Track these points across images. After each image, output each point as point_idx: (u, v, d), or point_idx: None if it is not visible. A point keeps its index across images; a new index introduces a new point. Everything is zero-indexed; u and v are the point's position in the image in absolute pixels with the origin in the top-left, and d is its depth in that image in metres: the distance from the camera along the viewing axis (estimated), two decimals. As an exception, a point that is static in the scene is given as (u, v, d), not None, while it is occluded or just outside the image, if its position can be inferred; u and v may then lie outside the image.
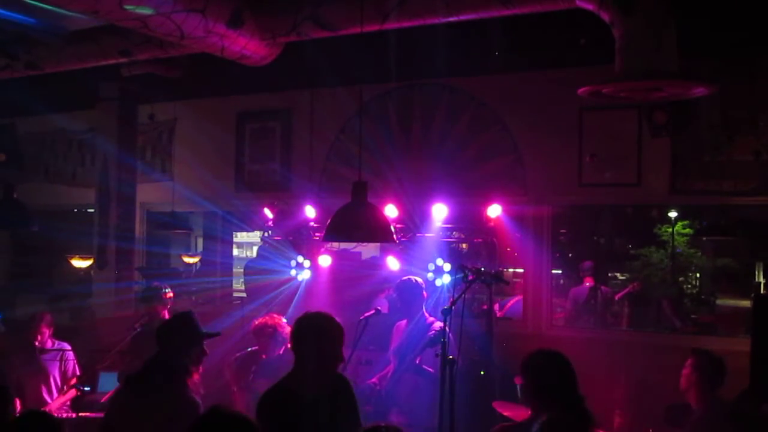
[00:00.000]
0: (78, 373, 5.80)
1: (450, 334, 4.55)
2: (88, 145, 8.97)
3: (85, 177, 9.05)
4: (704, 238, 8.98)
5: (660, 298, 8.68)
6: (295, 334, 3.49)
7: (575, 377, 3.41)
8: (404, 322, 5.63)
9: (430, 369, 5.06)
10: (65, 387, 5.75)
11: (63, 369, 5.79)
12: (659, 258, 9.12)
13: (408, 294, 5.55)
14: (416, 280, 5.63)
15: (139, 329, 5.41)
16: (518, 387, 3.64)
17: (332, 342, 3.40)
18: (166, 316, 5.63)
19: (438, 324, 4.37)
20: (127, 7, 4.42)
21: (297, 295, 6.66)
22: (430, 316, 5.44)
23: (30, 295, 8.41)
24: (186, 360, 3.65)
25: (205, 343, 3.77)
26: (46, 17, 5.48)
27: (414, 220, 6.16)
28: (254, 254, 9.06)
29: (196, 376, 3.72)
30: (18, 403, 5.54)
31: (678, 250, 9.15)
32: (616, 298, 8.44)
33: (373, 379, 5.53)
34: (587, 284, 8.35)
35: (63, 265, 8.99)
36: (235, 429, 2.30)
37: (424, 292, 5.61)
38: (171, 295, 5.78)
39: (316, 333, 3.40)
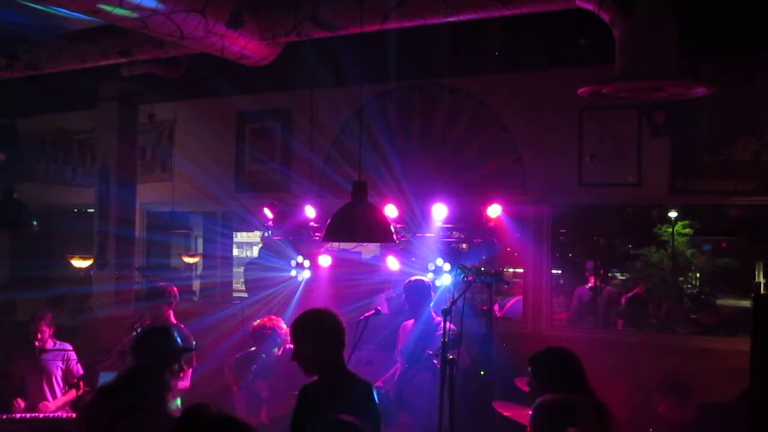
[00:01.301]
0: (80, 372, 5.80)
1: (455, 334, 4.59)
2: (88, 145, 8.97)
3: (85, 177, 9.05)
4: (702, 238, 8.99)
5: (661, 298, 8.67)
6: (292, 330, 3.51)
7: (580, 369, 3.46)
8: (411, 322, 5.63)
9: None
10: (67, 387, 5.75)
11: (65, 369, 5.80)
12: (659, 258, 9.11)
13: (417, 295, 5.56)
14: (425, 281, 5.63)
15: (138, 330, 5.39)
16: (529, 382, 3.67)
17: (327, 338, 3.39)
18: (171, 316, 5.62)
19: (448, 324, 4.37)
20: (103, 6, 4.40)
21: (296, 295, 6.66)
22: (437, 316, 5.44)
23: (30, 296, 8.40)
24: (166, 374, 3.57)
25: (183, 357, 3.73)
26: (47, 18, 5.48)
27: (414, 220, 6.16)
28: (254, 254, 9.07)
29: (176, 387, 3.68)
30: (22, 403, 5.56)
31: (691, 243, 9.15)
32: (623, 300, 8.42)
33: (378, 383, 5.53)
34: (590, 284, 8.35)
35: (63, 266, 8.99)
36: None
37: (432, 293, 5.61)
38: (177, 294, 5.76)
39: (312, 329, 3.41)
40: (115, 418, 3.32)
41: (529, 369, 3.64)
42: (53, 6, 4.62)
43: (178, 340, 3.79)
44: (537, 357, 3.62)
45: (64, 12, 4.98)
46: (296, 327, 3.48)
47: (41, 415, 5.48)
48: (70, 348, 5.88)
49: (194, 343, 5.46)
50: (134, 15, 4.54)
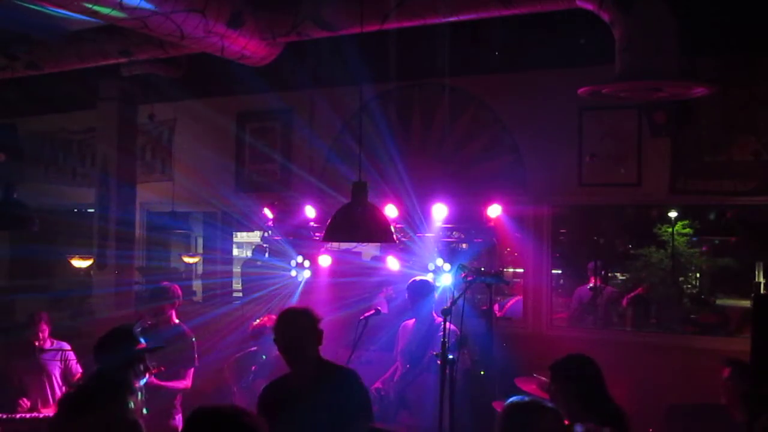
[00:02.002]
0: (80, 371, 5.80)
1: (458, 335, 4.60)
2: (88, 145, 8.96)
3: (85, 177, 9.05)
4: (702, 238, 9.00)
5: (661, 298, 8.67)
6: (278, 329, 3.58)
7: (600, 376, 3.51)
8: (411, 321, 5.63)
9: None
10: (66, 387, 5.75)
11: (65, 368, 5.79)
12: (659, 258, 9.12)
13: (419, 293, 5.55)
14: (428, 281, 5.63)
15: (138, 330, 5.38)
16: (550, 390, 3.65)
17: (299, 333, 3.47)
18: (173, 316, 5.61)
19: (448, 325, 4.39)
20: (87, 5, 4.39)
21: (296, 295, 6.66)
22: (439, 317, 5.44)
23: (30, 296, 8.40)
24: (129, 376, 3.54)
25: (147, 357, 3.69)
26: (47, 18, 5.48)
27: (414, 220, 6.16)
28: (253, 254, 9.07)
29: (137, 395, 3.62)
30: (27, 402, 5.56)
31: (695, 237, 9.15)
32: (624, 302, 8.42)
33: (377, 384, 5.51)
34: (590, 284, 8.34)
35: (63, 266, 8.99)
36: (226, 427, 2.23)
37: (435, 293, 5.61)
38: (180, 294, 5.74)
39: (285, 327, 3.53)
40: (73, 422, 3.28)
41: (549, 375, 3.63)
42: (48, 6, 4.61)
43: (141, 340, 3.74)
44: (557, 364, 3.62)
45: (61, 12, 4.97)
46: (288, 326, 3.53)
47: (41, 415, 5.47)
48: (69, 347, 5.88)
49: (193, 339, 5.46)
50: (125, 16, 4.53)
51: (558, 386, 3.54)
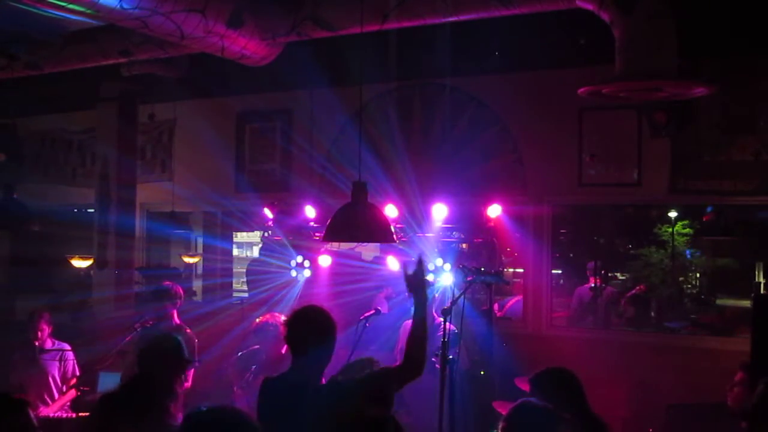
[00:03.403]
0: (78, 373, 5.79)
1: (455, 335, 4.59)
2: (88, 145, 8.97)
3: (85, 177, 9.05)
4: (704, 238, 9.00)
5: (661, 298, 8.67)
6: (290, 328, 3.42)
7: (580, 389, 3.49)
8: (412, 321, 5.63)
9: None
10: (65, 387, 5.75)
11: (63, 369, 5.78)
12: (659, 258, 9.12)
13: None
14: (429, 281, 5.63)
15: (139, 330, 5.38)
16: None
17: (322, 332, 3.36)
18: (175, 316, 5.61)
19: (448, 325, 4.38)
20: (65, 4, 4.39)
21: (296, 294, 6.65)
22: (438, 317, 5.44)
23: (30, 296, 8.40)
24: (175, 384, 3.58)
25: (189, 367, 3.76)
26: (46, 18, 5.48)
27: (414, 220, 6.15)
28: (254, 254, 9.06)
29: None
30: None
31: (688, 251, 9.16)
32: (623, 302, 8.41)
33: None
34: (590, 284, 8.34)
35: (63, 266, 8.99)
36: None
37: (436, 294, 5.61)
38: (182, 295, 5.74)
39: (308, 325, 3.37)
40: (119, 424, 3.28)
41: (530, 389, 3.64)
42: (42, 8, 4.61)
43: (185, 350, 3.79)
44: (537, 377, 3.62)
45: (57, 13, 4.97)
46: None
47: (41, 415, 5.47)
48: (69, 348, 5.87)
49: (195, 339, 5.47)
50: (98, 13, 4.52)
51: (541, 399, 3.53)
